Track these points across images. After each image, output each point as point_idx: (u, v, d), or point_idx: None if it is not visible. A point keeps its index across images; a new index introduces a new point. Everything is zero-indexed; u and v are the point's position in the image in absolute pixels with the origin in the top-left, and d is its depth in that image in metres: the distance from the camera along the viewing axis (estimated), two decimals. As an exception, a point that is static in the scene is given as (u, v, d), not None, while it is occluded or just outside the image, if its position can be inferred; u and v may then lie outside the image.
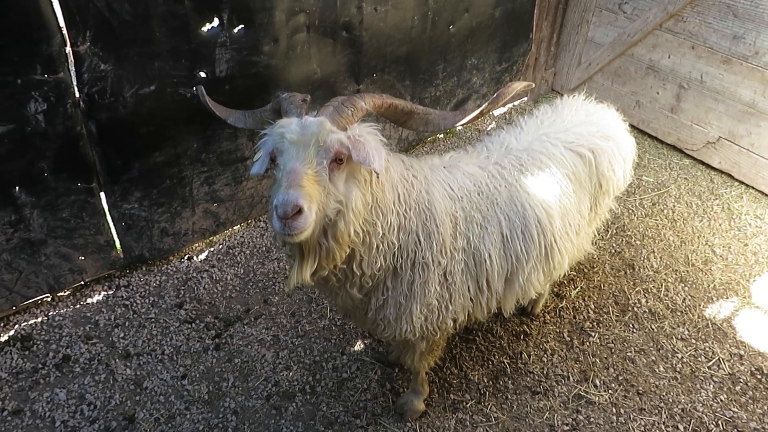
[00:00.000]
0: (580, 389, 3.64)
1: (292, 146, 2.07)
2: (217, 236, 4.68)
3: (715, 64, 5.23)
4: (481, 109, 2.38)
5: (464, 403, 3.55)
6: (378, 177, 2.27)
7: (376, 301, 2.62)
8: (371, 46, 4.68)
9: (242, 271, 4.40)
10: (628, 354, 3.86)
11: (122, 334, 3.85)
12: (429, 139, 5.99)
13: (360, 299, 2.59)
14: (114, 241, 4.10)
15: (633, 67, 5.90)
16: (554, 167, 3.00)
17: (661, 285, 4.37)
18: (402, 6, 4.67)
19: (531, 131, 3.18)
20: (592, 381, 3.68)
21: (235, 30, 3.79)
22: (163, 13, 3.45)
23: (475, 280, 2.80)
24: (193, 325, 3.96)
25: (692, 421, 3.46)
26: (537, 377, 3.72)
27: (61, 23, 3.16)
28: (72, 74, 3.34)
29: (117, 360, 3.70)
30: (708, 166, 5.64)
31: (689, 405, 3.56)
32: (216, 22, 3.68)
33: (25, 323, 3.85)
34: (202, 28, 3.65)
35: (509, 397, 3.60)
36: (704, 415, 3.49)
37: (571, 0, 6.22)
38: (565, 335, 3.99)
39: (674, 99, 5.69)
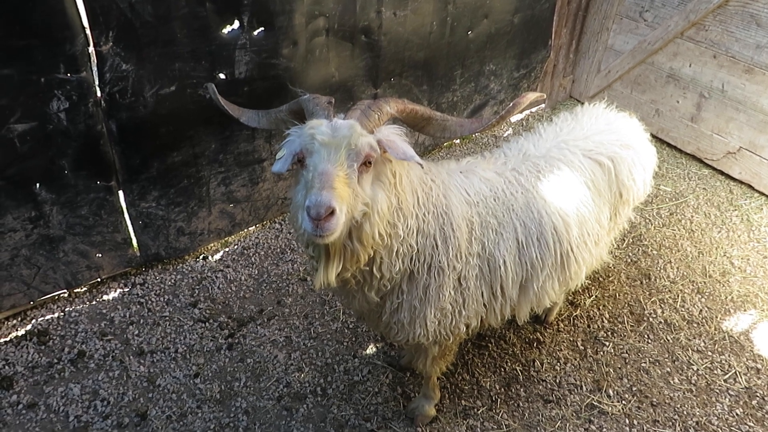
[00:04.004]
0: (593, 399, 3.60)
1: (323, 148, 2.08)
2: (233, 237, 4.71)
3: (737, 74, 5.17)
4: (497, 117, 2.39)
5: (475, 410, 3.54)
6: (422, 167, 2.39)
7: (391, 304, 2.63)
8: (390, 50, 4.69)
9: (256, 271, 4.42)
10: (643, 365, 3.82)
11: (137, 332, 3.89)
12: (445, 144, 5.99)
13: (376, 302, 2.60)
14: (131, 239, 4.14)
15: (653, 75, 5.86)
16: (572, 175, 2.98)
17: (678, 296, 4.32)
18: (421, 11, 4.68)
19: (550, 138, 3.17)
20: (605, 391, 3.65)
21: (255, 32, 3.82)
22: (184, 15, 3.49)
23: (489, 286, 2.79)
24: (207, 324, 3.98)
25: (707, 434, 3.43)
26: (549, 386, 3.69)
27: (85, 23, 3.20)
28: (94, 74, 3.39)
29: (131, 357, 3.73)
30: (727, 176, 5.57)
31: (704, 418, 3.51)
32: (236, 24, 3.71)
33: (42, 318, 3.90)
34: (223, 30, 3.69)
35: (521, 404, 3.58)
36: (719, 429, 3.44)
37: (591, 7, 6.19)
38: (579, 344, 3.96)
39: (695, 108, 5.63)
